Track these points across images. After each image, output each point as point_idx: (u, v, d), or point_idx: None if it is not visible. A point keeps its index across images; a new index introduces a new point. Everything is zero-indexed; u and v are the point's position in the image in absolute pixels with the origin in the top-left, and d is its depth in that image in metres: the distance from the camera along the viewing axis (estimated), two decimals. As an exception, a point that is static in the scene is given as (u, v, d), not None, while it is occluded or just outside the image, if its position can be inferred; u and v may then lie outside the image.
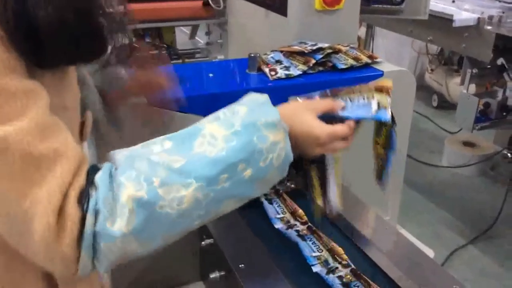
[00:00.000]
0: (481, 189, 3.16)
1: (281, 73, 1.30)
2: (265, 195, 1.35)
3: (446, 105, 4.09)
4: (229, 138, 0.68)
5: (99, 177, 0.63)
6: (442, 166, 3.39)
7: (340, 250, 1.13)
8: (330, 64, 1.37)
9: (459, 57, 3.74)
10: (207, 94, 1.23)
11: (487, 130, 3.46)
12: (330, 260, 1.10)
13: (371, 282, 1.03)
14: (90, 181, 0.63)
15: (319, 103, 0.86)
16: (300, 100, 0.91)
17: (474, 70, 2.60)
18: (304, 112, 0.80)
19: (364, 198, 1.40)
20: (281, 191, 1.37)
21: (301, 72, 1.32)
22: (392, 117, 0.92)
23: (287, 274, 1.05)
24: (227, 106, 0.75)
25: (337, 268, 1.08)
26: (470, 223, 2.78)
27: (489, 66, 2.54)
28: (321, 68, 1.36)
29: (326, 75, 1.35)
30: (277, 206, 1.32)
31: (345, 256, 1.11)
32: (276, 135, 0.70)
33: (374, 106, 0.87)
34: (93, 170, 0.64)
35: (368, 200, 1.40)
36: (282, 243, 1.19)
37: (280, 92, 1.33)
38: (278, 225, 1.26)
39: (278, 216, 1.29)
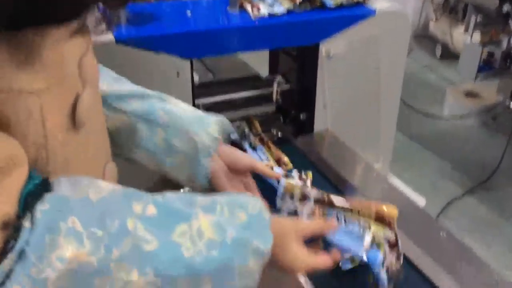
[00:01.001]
0: (482, 140, 3.09)
1: (264, 11, 1.22)
2: (250, 142, 1.30)
3: (450, 55, 3.97)
4: (213, 246, 0.59)
5: (43, 211, 0.50)
6: (442, 117, 3.31)
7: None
8: (319, 2, 1.28)
9: (464, 6, 3.59)
10: (184, 33, 1.15)
11: (490, 80, 3.38)
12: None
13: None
14: (29, 206, 0.49)
15: (310, 226, 0.74)
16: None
17: (479, 17, 2.48)
18: (292, 240, 0.70)
19: (355, 145, 1.35)
20: (266, 139, 1.31)
21: (286, 11, 1.24)
22: (399, 255, 0.78)
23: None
24: (229, 195, 0.66)
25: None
26: (469, 174, 2.74)
27: (494, 14, 2.41)
28: (308, 6, 1.27)
29: (314, 13, 1.27)
30: (262, 153, 1.27)
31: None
32: (256, 263, 0.63)
33: (366, 243, 0.74)
34: (39, 189, 0.51)
35: (359, 147, 1.35)
36: (263, 189, 1.14)
37: (263, 33, 1.26)
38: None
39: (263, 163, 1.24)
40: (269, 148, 1.29)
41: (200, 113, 0.90)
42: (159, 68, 1.15)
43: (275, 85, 1.37)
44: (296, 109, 1.36)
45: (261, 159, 1.26)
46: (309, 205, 0.87)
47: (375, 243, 0.74)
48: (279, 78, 1.38)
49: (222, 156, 0.88)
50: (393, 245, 0.77)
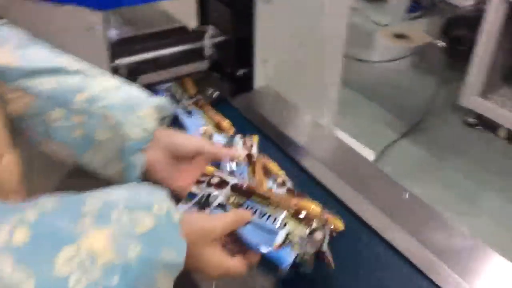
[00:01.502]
0: (413, 81, 3.10)
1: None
2: (183, 107, 1.13)
3: (377, -4, 3.91)
4: (112, 271, 0.46)
5: None
6: (373, 61, 3.27)
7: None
8: None
9: None
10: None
11: (419, 21, 3.36)
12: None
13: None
14: None
15: (223, 225, 0.63)
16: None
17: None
18: (204, 244, 0.60)
19: (298, 102, 1.22)
20: (202, 102, 1.15)
21: None
22: (320, 258, 0.70)
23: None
24: (129, 190, 0.53)
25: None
26: (403, 117, 2.74)
27: None
28: None
29: None
30: (198, 119, 1.11)
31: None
32: (167, 280, 0.51)
33: (279, 239, 0.66)
34: None
35: (302, 103, 1.22)
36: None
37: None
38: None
39: (200, 130, 1.08)
40: (206, 112, 1.13)
41: (133, 93, 0.74)
42: (65, 24, 0.93)
43: (206, 38, 1.19)
44: (233, 64, 1.19)
45: (198, 126, 1.10)
46: (225, 192, 0.74)
47: (289, 241, 0.66)
48: (210, 29, 1.20)
49: (160, 145, 0.72)
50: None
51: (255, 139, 1.03)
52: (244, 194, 0.74)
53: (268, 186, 0.94)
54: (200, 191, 0.74)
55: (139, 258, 0.47)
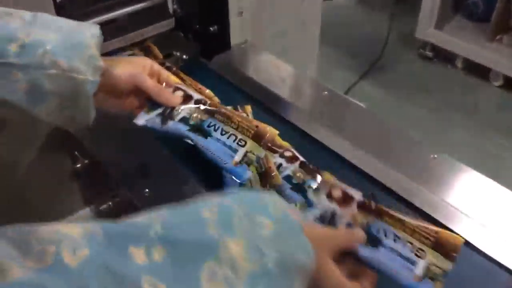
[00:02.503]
0: (363, 18, 3.00)
1: None
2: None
3: None
4: (255, 281, 0.42)
5: None
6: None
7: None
8: None
9: None
10: None
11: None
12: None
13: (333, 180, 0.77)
14: None
15: (342, 238, 0.58)
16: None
17: None
18: (326, 254, 0.52)
19: (281, 56, 1.07)
20: (175, 69, 0.97)
21: None
22: None
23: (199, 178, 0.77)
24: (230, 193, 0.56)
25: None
26: (360, 57, 2.65)
27: None
28: None
29: None
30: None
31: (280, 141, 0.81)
32: (302, 284, 0.46)
33: (419, 271, 0.58)
34: None
35: (285, 57, 1.07)
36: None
37: None
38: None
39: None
40: (182, 81, 0.96)
41: (72, 29, 0.67)
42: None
43: (168, -9, 1.00)
44: (203, 20, 1.01)
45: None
46: (352, 209, 0.65)
47: (428, 276, 0.58)
48: (171, -21, 1.01)
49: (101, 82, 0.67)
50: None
51: (248, 110, 0.88)
52: (207, 111, 0.73)
53: (277, 162, 0.81)
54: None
55: (276, 263, 0.43)
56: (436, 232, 0.61)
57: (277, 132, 0.76)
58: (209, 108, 0.76)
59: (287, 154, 0.83)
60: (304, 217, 0.64)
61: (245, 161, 0.71)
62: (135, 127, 0.73)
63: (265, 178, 0.76)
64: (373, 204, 0.66)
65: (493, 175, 0.79)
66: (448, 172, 0.81)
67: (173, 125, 0.74)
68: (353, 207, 0.66)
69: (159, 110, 0.73)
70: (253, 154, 0.72)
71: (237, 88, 0.98)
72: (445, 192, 0.77)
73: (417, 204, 0.75)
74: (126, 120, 0.75)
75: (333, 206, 0.66)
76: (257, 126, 0.75)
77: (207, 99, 0.77)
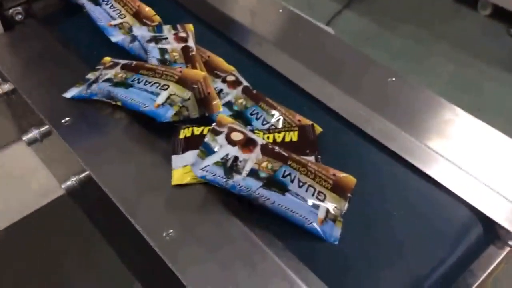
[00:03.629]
0: None
1: None
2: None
3: None
4: None
5: None
6: None
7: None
8: None
9: None
10: None
11: None
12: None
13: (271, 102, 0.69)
14: None
15: None
16: None
17: None
18: None
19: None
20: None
21: None
22: None
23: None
24: None
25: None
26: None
27: None
28: None
29: None
30: (110, 8, 0.84)
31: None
32: None
33: (321, 214, 0.58)
34: None
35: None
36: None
37: None
38: (117, 37, 0.81)
39: (114, 22, 0.83)
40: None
41: None
42: None
43: None
44: None
45: (111, 17, 0.84)
46: (256, 154, 0.59)
47: (329, 218, 0.58)
48: None
49: None
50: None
51: (189, 28, 0.79)
52: (132, 69, 0.71)
53: (218, 87, 0.73)
54: (94, 76, 0.74)
55: None
56: (334, 175, 0.61)
57: (203, 73, 0.69)
58: (133, 65, 0.72)
59: (230, 78, 0.75)
60: (202, 164, 0.58)
61: (168, 102, 0.66)
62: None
63: (203, 105, 0.69)
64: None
65: (473, 105, 0.72)
66: (405, 97, 0.74)
67: (96, 86, 0.71)
68: (257, 152, 0.60)
69: (90, 81, 0.73)
70: (177, 96, 0.66)
71: (180, 5, 0.88)
72: (401, 119, 0.70)
73: (369, 131, 0.68)
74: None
75: (235, 149, 0.60)
76: (181, 71, 0.69)
77: (133, 61, 0.74)
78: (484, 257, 0.59)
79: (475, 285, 0.58)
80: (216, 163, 0.58)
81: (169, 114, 0.64)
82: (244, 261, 0.53)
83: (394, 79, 0.75)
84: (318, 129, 0.68)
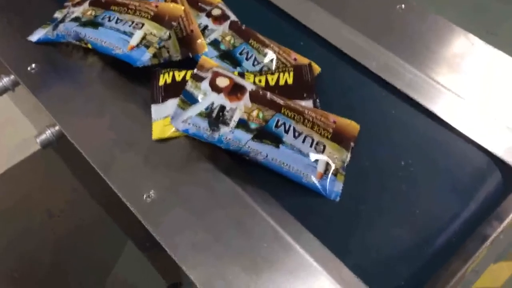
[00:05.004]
0: None
1: None
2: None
3: None
4: None
5: None
6: None
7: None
8: None
9: None
10: None
11: None
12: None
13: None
14: None
15: None
16: None
17: None
18: None
19: None
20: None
21: None
22: None
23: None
24: None
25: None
26: None
27: None
28: None
29: None
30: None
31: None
32: None
33: (321, 168, 0.51)
34: None
35: None
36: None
37: None
38: (145, 59, 0.66)
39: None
40: None
41: None
42: None
43: None
44: None
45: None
46: (244, 101, 0.52)
47: (331, 173, 0.52)
48: None
49: None
50: None
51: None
52: (102, 5, 0.62)
53: (202, 23, 0.64)
54: (61, 15, 0.66)
55: None
56: (334, 122, 0.54)
57: (183, 7, 0.60)
58: (103, 1, 0.63)
59: (216, 12, 0.66)
60: (183, 116, 0.51)
61: (144, 44, 0.58)
62: None
63: (186, 45, 0.61)
64: (268, 94, 0.54)
65: (486, 31, 0.63)
66: (417, 26, 0.65)
67: (62, 27, 0.62)
68: (246, 99, 0.52)
69: (56, 21, 0.64)
70: (154, 35, 0.58)
71: None
72: (410, 52, 0.62)
73: (374, 68, 0.60)
74: None
75: (221, 97, 0.52)
76: (156, 6, 0.60)
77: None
78: (502, 208, 0.53)
79: (493, 235, 0.53)
80: (200, 114, 0.51)
81: (145, 57, 0.56)
82: (234, 224, 0.48)
83: (403, 6, 0.66)
84: (316, 68, 0.60)
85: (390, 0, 0.67)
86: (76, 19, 0.62)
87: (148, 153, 0.53)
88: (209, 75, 0.53)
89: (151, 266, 0.76)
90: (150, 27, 0.58)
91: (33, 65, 0.61)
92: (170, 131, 0.54)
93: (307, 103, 0.56)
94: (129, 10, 0.60)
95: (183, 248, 0.46)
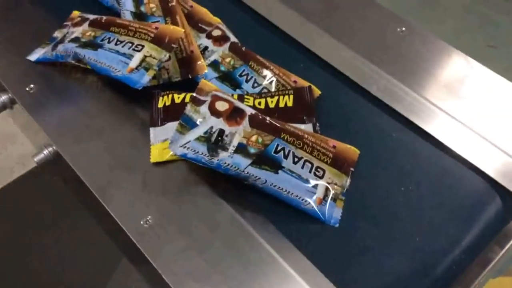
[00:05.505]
0: None
1: None
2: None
3: None
4: None
5: None
6: None
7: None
8: None
9: None
10: None
11: None
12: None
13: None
14: None
15: None
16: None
17: None
18: None
19: None
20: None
21: None
22: None
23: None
24: None
25: None
26: None
27: None
28: None
29: None
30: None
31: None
32: None
33: (320, 194, 0.51)
34: None
35: None
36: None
37: None
38: (144, 81, 0.63)
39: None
40: None
41: None
42: None
43: None
44: None
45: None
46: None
47: (330, 198, 0.51)
48: None
49: None
50: None
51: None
52: (102, 26, 0.62)
53: (202, 44, 0.64)
54: (61, 34, 0.66)
55: None
56: (334, 147, 0.53)
57: (183, 30, 0.60)
58: (103, 21, 0.63)
59: (216, 33, 0.66)
60: (182, 140, 0.50)
61: (143, 66, 0.58)
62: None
63: (186, 66, 0.60)
64: (103, 19, 0.58)
65: (486, 44, 0.63)
66: (417, 50, 0.65)
67: (62, 47, 0.62)
68: (245, 124, 0.52)
69: (56, 41, 0.65)
70: (154, 58, 0.58)
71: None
72: (411, 76, 0.62)
73: (373, 91, 0.60)
74: None
75: (220, 121, 0.51)
76: (156, 28, 0.60)
77: (103, 16, 0.64)
78: (503, 234, 0.53)
79: (493, 262, 0.52)
80: (199, 139, 0.50)
81: (144, 80, 0.56)
82: (232, 251, 0.47)
83: (403, 28, 0.66)
84: (317, 91, 0.60)
85: (391, 23, 0.67)
86: (75, 40, 0.62)
87: (146, 177, 0.52)
88: (208, 99, 0.53)
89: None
90: (150, 49, 0.58)
91: (32, 86, 0.61)
92: (168, 155, 0.53)
93: (307, 127, 0.56)
94: (129, 32, 0.60)
95: (180, 276, 0.45)
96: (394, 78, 0.61)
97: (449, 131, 0.57)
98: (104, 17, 0.63)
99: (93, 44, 0.60)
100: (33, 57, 0.65)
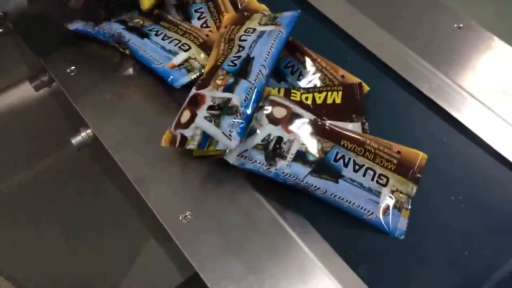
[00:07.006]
0: None
1: None
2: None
3: None
4: None
5: None
6: None
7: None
8: None
9: None
10: None
11: None
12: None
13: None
14: None
15: None
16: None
17: None
18: None
19: None
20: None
21: None
22: None
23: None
24: None
25: None
26: None
27: None
28: None
29: None
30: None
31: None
32: None
33: (383, 203, 0.48)
34: None
35: None
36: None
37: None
38: (183, 81, 0.57)
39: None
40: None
41: None
42: None
43: None
44: None
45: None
46: (305, 132, 0.50)
47: (394, 207, 0.48)
48: None
49: None
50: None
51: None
52: (152, 18, 0.61)
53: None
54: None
55: None
56: (398, 152, 0.51)
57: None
58: (154, 14, 0.63)
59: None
60: (241, 148, 0.48)
61: (186, 66, 0.57)
62: None
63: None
64: (326, 124, 0.51)
65: None
66: (474, 48, 0.61)
67: (106, 25, 0.61)
68: (304, 130, 0.49)
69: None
70: (198, 62, 0.57)
71: None
72: (466, 78, 0.58)
73: (425, 91, 0.57)
74: None
75: (278, 129, 0.49)
76: (207, 35, 0.60)
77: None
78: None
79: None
80: (256, 147, 0.48)
81: (183, 80, 0.56)
82: (271, 255, 0.46)
83: (461, 25, 0.62)
84: (366, 87, 0.57)
85: (447, 19, 0.63)
86: (122, 22, 0.61)
87: (187, 170, 0.51)
88: (265, 104, 0.50)
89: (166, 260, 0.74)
90: (196, 53, 0.57)
91: (73, 67, 0.60)
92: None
93: (355, 125, 0.53)
94: (179, 30, 0.60)
95: (216, 275, 0.44)
96: (448, 77, 0.58)
97: (506, 139, 0.53)
98: (156, 10, 0.63)
99: (140, 32, 0.59)
100: (72, 26, 0.63)
